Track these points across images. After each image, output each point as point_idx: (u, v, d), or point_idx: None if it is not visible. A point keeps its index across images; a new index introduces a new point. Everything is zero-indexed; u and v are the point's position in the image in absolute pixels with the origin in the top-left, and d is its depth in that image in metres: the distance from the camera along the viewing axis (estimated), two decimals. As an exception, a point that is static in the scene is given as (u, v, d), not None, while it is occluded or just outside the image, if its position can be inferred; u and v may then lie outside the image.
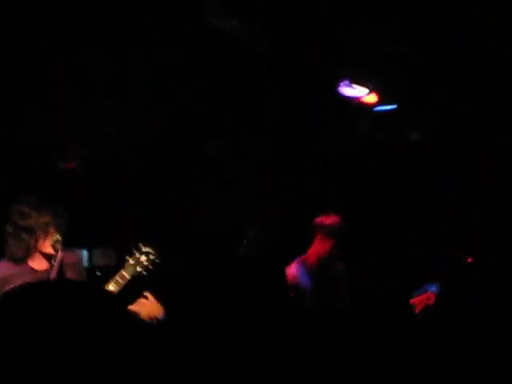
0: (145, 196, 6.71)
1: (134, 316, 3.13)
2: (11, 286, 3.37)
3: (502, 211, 6.43)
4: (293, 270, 4.97)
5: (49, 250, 3.55)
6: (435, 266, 5.29)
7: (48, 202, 3.62)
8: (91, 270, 4.61)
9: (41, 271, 3.63)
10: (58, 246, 3.49)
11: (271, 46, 4.91)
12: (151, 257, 3.73)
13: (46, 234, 3.57)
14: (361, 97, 5.91)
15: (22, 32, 4.29)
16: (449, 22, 4.69)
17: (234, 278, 4.05)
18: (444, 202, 6.80)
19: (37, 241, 3.57)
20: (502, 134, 6.30)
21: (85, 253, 4.57)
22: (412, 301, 4.74)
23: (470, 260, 5.04)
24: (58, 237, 3.52)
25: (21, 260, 3.60)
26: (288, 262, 5.03)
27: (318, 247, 5.03)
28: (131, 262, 3.69)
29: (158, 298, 3.65)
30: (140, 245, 3.75)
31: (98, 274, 5.60)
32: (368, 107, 6.06)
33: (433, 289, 4.76)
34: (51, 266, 3.50)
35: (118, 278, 3.61)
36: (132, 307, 3.54)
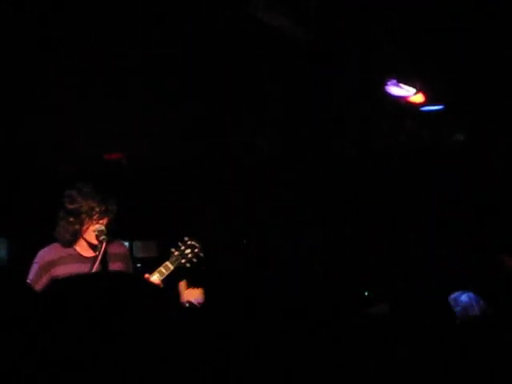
0: (185, 192, 6.80)
1: (180, 308, 3.24)
2: (57, 268, 3.73)
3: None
4: None
5: (93, 240, 3.71)
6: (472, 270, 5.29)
7: (95, 189, 3.77)
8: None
9: (87, 257, 3.79)
10: (102, 237, 3.64)
11: (322, 45, 4.84)
12: (195, 250, 3.89)
13: (91, 218, 3.71)
14: (408, 96, 5.86)
15: (22, 32, 4.29)
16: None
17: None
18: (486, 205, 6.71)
19: (82, 225, 3.73)
20: (502, 134, 6.28)
21: (126, 244, 4.72)
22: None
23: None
24: (102, 227, 3.68)
25: (69, 244, 3.81)
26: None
27: None
28: (176, 253, 3.85)
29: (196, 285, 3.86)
30: (185, 238, 3.92)
31: (138, 265, 5.73)
32: (415, 107, 5.99)
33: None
34: (96, 255, 3.64)
35: (162, 268, 3.79)
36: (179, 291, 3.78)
